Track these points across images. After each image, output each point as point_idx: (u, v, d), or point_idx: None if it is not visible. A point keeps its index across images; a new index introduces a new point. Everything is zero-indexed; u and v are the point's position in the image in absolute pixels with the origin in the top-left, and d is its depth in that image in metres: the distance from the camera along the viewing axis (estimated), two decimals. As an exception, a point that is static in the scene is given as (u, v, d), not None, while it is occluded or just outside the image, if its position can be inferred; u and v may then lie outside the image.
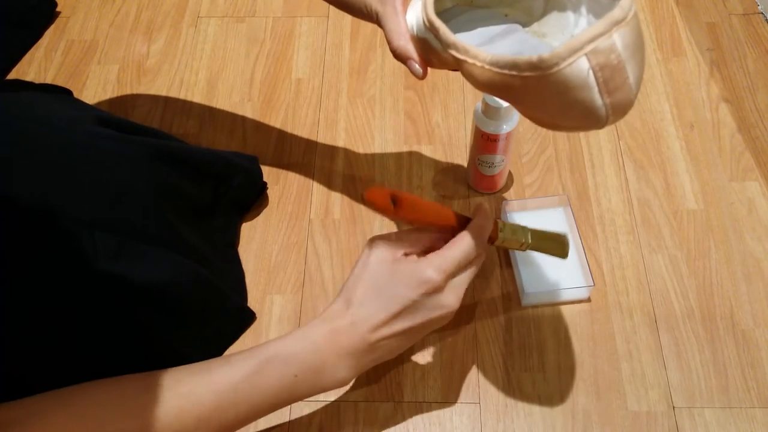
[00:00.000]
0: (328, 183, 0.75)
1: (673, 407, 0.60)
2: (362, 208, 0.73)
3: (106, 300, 0.51)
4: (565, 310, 0.65)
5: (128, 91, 0.84)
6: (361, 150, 0.77)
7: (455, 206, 0.72)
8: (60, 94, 0.72)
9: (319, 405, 0.61)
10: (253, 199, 0.73)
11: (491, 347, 0.63)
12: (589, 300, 0.65)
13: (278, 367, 0.49)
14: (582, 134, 0.77)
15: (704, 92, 0.80)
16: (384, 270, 0.50)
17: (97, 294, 0.51)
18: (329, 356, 0.49)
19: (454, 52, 0.43)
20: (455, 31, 0.45)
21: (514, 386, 0.61)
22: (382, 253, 0.51)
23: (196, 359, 0.51)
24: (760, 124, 0.77)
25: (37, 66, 0.86)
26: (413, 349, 0.63)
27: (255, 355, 0.50)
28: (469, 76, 0.43)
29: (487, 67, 0.40)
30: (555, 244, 0.59)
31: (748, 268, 0.67)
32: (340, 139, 0.78)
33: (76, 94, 0.80)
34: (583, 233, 0.70)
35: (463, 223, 0.53)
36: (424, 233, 0.53)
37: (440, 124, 0.79)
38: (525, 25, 0.49)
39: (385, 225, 0.71)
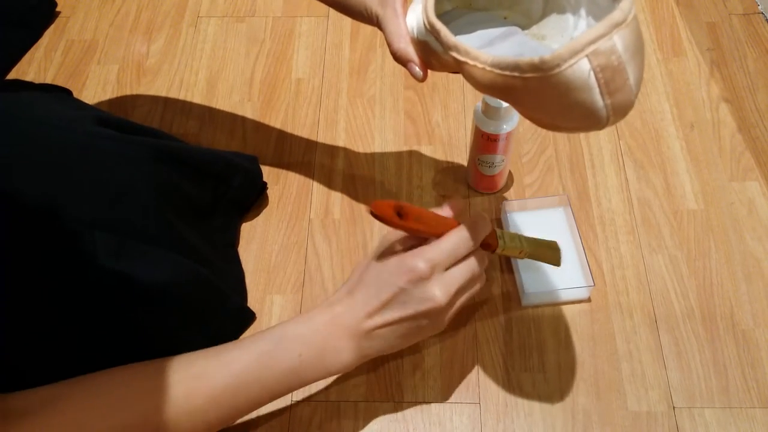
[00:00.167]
0: (328, 183, 0.75)
1: (673, 407, 0.60)
2: (362, 207, 0.73)
3: (106, 299, 0.52)
4: (565, 310, 0.65)
5: (128, 91, 0.84)
6: (361, 150, 0.77)
7: (455, 206, 0.72)
8: (60, 94, 0.71)
9: (319, 405, 0.61)
10: (253, 199, 0.73)
11: (491, 347, 0.63)
12: (589, 300, 0.65)
13: (285, 348, 0.50)
14: (582, 134, 0.77)
15: (704, 92, 0.80)
16: (382, 261, 0.51)
17: (97, 293, 0.51)
18: (330, 338, 0.51)
19: (455, 54, 0.43)
20: (455, 33, 0.46)
21: (514, 386, 0.61)
22: (385, 247, 0.52)
23: (196, 359, 0.51)
24: (761, 124, 0.77)
25: (37, 66, 0.86)
26: (413, 349, 0.63)
27: (263, 337, 0.51)
28: (470, 78, 0.43)
29: (488, 68, 0.40)
30: (550, 252, 0.60)
31: (748, 268, 0.67)
32: (340, 139, 0.78)
33: (76, 94, 0.80)
34: (583, 233, 0.70)
35: None
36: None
37: (440, 124, 0.79)
38: (524, 27, 0.49)
39: (385, 225, 0.71)
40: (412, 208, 0.49)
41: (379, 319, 0.50)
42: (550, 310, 0.65)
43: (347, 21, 0.89)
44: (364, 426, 0.60)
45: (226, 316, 0.63)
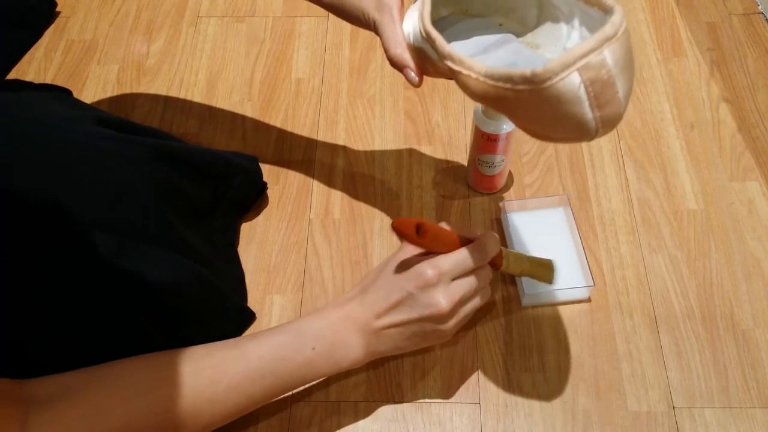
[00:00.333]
0: (328, 183, 0.75)
1: (674, 407, 0.60)
2: (362, 207, 0.73)
3: (107, 298, 0.52)
4: (565, 310, 0.65)
5: (128, 91, 0.84)
6: (361, 150, 0.77)
7: (455, 206, 0.72)
8: (60, 94, 0.71)
9: (319, 405, 0.61)
10: (253, 199, 0.73)
11: (491, 347, 0.63)
12: (589, 300, 0.65)
13: (301, 341, 0.53)
14: (582, 134, 0.77)
15: (704, 92, 0.80)
16: (396, 267, 0.54)
17: (97, 293, 0.51)
18: (342, 333, 0.53)
19: (450, 63, 0.44)
20: (450, 39, 0.46)
21: (514, 386, 0.61)
22: (401, 255, 0.55)
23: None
24: (761, 124, 0.77)
25: (37, 66, 0.86)
26: (413, 350, 0.63)
27: (280, 331, 0.54)
28: (464, 87, 0.44)
29: (482, 78, 0.41)
30: (546, 271, 0.62)
31: (748, 268, 0.67)
32: (340, 139, 0.78)
33: (76, 94, 0.80)
34: (583, 233, 0.70)
35: None
36: None
37: (440, 124, 0.79)
38: (519, 35, 0.49)
39: (385, 225, 0.71)
40: (430, 226, 0.51)
41: (387, 320, 0.53)
42: (550, 310, 0.65)
43: (347, 21, 0.89)
44: (364, 426, 0.60)
45: (226, 316, 0.63)
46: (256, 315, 0.66)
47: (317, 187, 0.75)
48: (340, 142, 0.78)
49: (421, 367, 0.62)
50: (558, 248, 0.66)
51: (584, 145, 0.76)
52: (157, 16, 0.92)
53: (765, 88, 0.80)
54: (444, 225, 0.56)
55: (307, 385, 0.55)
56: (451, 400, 0.61)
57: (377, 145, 0.78)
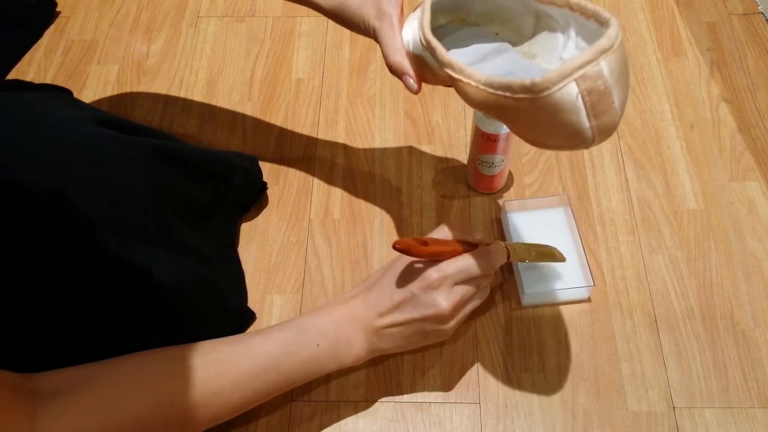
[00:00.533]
0: (329, 182, 0.75)
1: (674, 407, 0.60)
2: (362, 207, 0.73)
3: (106, 298, 0.52)
4: (565, 310, 0.65)
5: (128, 91, 0.84)
6: (361, 150, 0.77)
7: (455, 206, 0.72)
8: (60, 94, 0.72)
9: (319, 404, 0.61)
10: (253, 199, 0.73)
11: (491, 347, 0.63)
12: (589, 300, 0.65)
13: (305, 338, 0.54)
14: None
15: (704, 92, 0.80)
16: (400, 268, 0.55)
17: (98, 292, 0.51)
18: (345, 331, 0.55)
19: (449, 71, 0.45)
20: (448, 47, 0.47)
21: (514, 386, 0.61)
22: (407, 258, 0.55)
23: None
24: (761, 124, 0.77)
25: (37, 66, 0.86)
26: (414, 349, 0.63)
27: (285, 327, 0.55)
28: (463, 95, 0.45)
29: (481, 87, 0.42)
30: (554, 252, 0.63)
31: (748, 268, 0.67)
32: (340, 139, 0.78)
33: (76, 94, 0.80)
34: (583, 233, 0.70)
35: None
36: None
37: (440, 123, 0.79)
38: (515, 44, 0.50)
39: (384, 225, 0.71)
40: (435, 240, 0.54)
41: (389, 319, 0.54)
42: (550, 310, 0.65)
43: (347, 21, 0.89)
44: (363, 426, 0.60)
45: (226, 316, 0.63)
46: (256, 315, 0.66)
47: (317, 187, 0.75)
48: (340, 142, 0.78)
49: (421, 366, 0.63)
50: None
51: (584, 145, 0.76)
52: (157, 16, 0.92)
53: (765, 88, 0.80)
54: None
55: (308, 381, 0.56)
56: (451, 399, 0.61)
57: (377, 145, 0.78)
